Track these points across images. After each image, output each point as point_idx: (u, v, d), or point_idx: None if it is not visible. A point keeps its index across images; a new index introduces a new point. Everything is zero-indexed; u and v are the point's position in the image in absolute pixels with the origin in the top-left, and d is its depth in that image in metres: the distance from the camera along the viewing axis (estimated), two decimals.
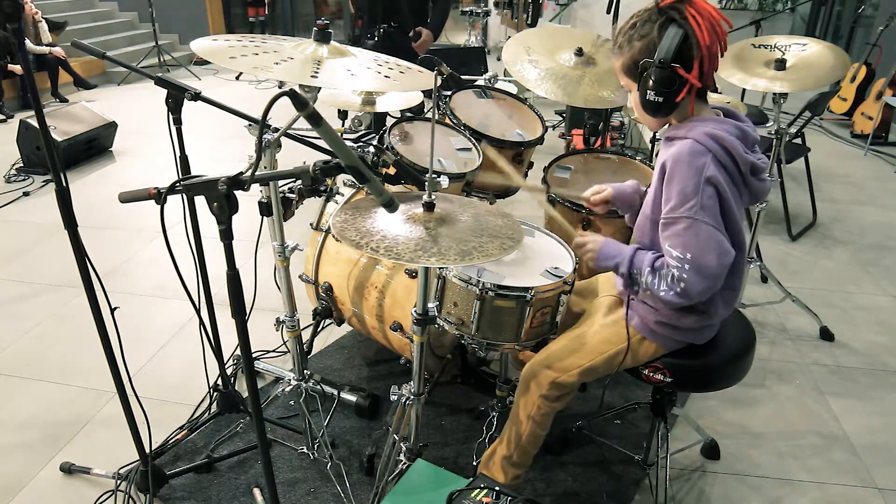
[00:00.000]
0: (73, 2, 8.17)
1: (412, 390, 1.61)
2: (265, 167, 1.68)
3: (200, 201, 1.22)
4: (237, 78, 7.65)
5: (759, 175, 1.42)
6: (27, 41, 6.13)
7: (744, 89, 4.37)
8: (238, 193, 1.12)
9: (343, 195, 2.22)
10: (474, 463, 1.98)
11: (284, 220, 1.78)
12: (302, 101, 1.02)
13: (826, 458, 2.14)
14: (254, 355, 2.47)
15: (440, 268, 1.60)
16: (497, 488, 1.28)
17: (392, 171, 1.68)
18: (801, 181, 4.35)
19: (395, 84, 1.57)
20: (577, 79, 2.25)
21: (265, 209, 1.67)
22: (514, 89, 3.44)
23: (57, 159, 1.41)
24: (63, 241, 1.61)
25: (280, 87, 2.24)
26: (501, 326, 1.61)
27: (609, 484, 1.99)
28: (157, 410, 2.22)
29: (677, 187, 1.36)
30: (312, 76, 1.46)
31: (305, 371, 1.99)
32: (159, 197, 1.16)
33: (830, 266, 3.48)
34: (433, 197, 1.34)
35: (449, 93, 2.46)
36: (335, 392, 2.23)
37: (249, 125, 1.73)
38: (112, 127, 4.94)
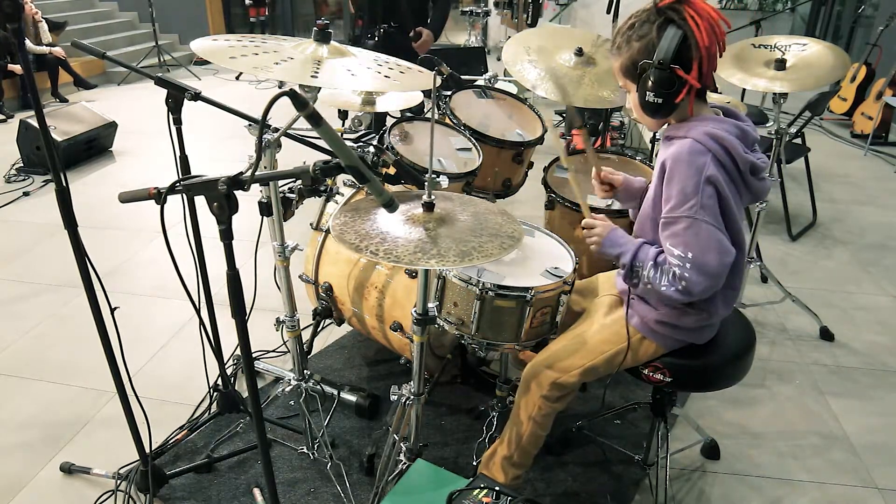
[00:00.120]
0: (73, 2, 8.17)
1: (412, 390, 1.61)
2: (265, 167, 1.68)
3: (200, 201, 1.22)
4: (237, 78, 7.66)
5: (758, 175, 1.42)
6: (27, 41, 6.13)
7: (744, 89, 4.38)
8: (238, 193, 1.12)
9: (343, 195, 2.22)
10: (474, 463, 1.98)
11: (284, 220, 1.78)
12: (302, 101, 1.02)
13: (826, 458, 2.14)
14: (254, 355, 2.47)
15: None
16: (497, 488, 1.28)
17: (392, 171, 1.68)
18: (801, 181, 4.35)
19: (395, 84, 1.57)
20: (577, 79, 2.25)
21: (265, 209, 1.67)
22: (514, 89, 3.44)
23: (57, 159, 1.41)
24: (63, 241, 1.61)
25: (280, 87, 2.24)
26: (501, 326, 1.61)
27: (609, 484, 1.99)
28: (157, 410, 2.22)
29: (677, 187, 1.36)
30: (312, 76, 1.46)
31: (305, 371, 1.99)
32: (159, 197, 1.16)
33: (830, 266, 3.48)
34: (433, 197, 1.34)
35: (449, 93, 2.46)
36: (335, 392, 2.23)
37: (249, 125, 1.73)
38: (112, 127, 4.94)
